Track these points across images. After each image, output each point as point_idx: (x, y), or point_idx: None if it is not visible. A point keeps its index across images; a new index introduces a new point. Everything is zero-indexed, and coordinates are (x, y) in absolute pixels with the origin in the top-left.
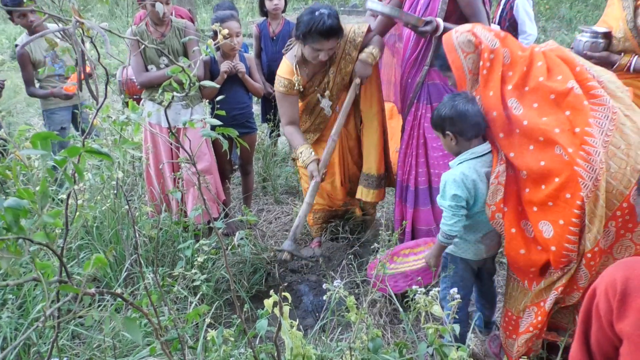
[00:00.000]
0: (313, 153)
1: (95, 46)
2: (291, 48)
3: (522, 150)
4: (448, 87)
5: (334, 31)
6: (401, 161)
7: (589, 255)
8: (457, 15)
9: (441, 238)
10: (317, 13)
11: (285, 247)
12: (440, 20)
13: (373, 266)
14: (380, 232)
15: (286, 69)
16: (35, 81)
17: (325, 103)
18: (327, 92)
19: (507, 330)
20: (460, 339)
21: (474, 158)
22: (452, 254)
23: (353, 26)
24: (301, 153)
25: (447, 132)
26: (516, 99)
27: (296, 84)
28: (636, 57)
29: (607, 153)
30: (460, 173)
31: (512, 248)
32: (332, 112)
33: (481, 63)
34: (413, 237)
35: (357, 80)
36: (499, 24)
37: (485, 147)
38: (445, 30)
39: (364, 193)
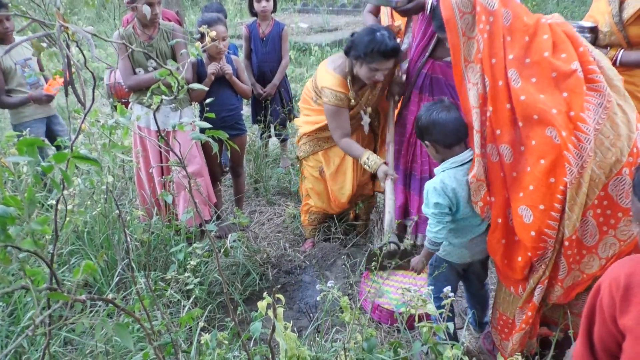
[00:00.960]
0: (379, 157)
1: (81, 50)
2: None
3: (512, 126)
4: (449, 83)
5: (395, 52)
6: (404, 149)
7: (566, 243)
8: None
9: (428, 245)
10: (378, 34)
11: (392, 240)
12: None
13: (366, 275)
14: (376, 233)
15: (338, 82)
16: None
17: (365, 120)
18: (369, 109)
19: (503, 333)
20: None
21: (454, 167)
22: (437, 255)
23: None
24: (368, 159)
25: (426, 142)
26: (516, 70)
27: (352, 99)
28: (622, 50)
29: (595, 141)
30: (440, 181)
31: (494, 237)
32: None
33: (480, 26)
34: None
35: (396, 98)
36: None
37: (467, 155)
38: (433, 7)
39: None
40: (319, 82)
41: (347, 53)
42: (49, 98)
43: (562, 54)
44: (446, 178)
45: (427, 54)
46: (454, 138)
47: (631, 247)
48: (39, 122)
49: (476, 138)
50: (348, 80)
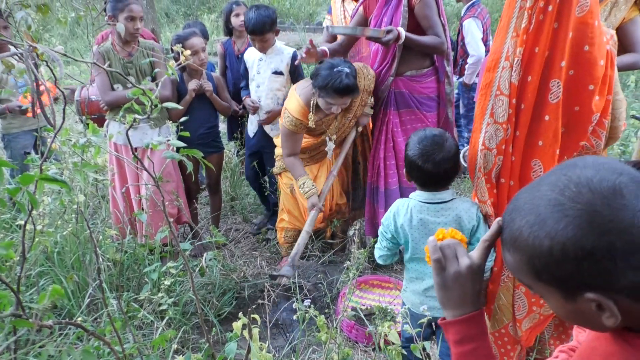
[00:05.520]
0: (314, 185)
1: (51, 69)
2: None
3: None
4: (412, 95)
5: (350, 90)
6: (370, 164)
7: None
8: (416, 28)
9: None
10: (335, 70)
11: (284, 272)
12: (402, 30)
13: (344, 294)
14: (352, 250)
15: (299, 109)
16: None
17: (330, 146)
18: (334, 136)
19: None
20: None
21: (419, 201)
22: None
23: (365, 72)
24: (303, 184)
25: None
26: (562, 82)
27: (310, 122)
28: None
29: None
30: (398, 205)
31: None
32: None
33: (541, 4)
34: None
35: (359, 128)
36: (454, 45)
37: (441, 196)
38: (408, 39)
39: None
40: (285, 103)
41: (312, 78)
42: (23, 111)
43: (597, 95)
44: (403, 207)
45: (392, 73)
46: (434, 186)
47: None
48: (27, 134)
49: (491, 129)
50: (312, 105)
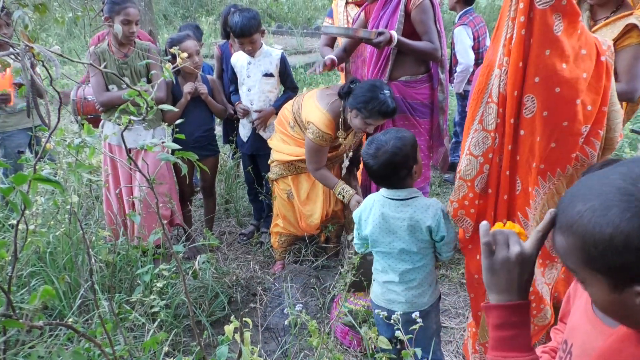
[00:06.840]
0: (350, 188)
1: (47, 69)
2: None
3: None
4: (406, 101)
5: (394, 113)
6: (363, 164)
7: (532, 297)
8: (412, 34)
9: None
10: (381, 94)
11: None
12: (393, 33)
13: (338, 300)
14: (347, 255)
15: (327, 122)
16: None
17: (345, 163)
18: (350, 153)
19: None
20: None
21: (383, 196)
22: None
23: None
24: (342, 189)
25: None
26: (536, 97)
27: (341, 139)
28: None
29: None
30: (365, 200)
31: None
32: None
33: (511, 14)
34: None
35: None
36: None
37: (398, 193)
38: (400, 43)
39: None
40: (306, 115)
41: (341, 96)
42: (3, 99)
43: (589, 106)
44: (369, 200)
45: (386, 77)
46: (383, 183)
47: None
48: (22, 133)
49: (478, 135)
50: (340, 122)
